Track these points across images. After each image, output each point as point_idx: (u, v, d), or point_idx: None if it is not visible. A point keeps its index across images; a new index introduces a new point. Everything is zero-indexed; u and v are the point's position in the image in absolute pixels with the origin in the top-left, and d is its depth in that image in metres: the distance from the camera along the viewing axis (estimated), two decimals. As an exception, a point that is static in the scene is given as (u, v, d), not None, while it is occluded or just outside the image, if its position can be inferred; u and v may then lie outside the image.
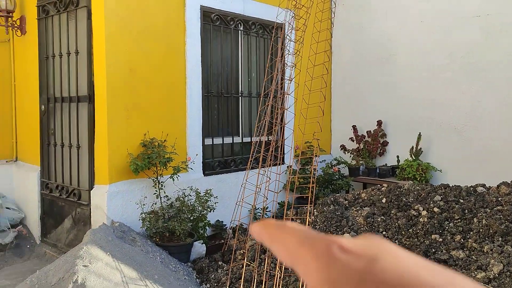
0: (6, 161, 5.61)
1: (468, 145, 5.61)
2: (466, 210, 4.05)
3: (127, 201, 4.30)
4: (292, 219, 4.74)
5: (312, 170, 4.60)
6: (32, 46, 5.20)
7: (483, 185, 4.66)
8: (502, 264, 3.20)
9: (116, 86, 4.30)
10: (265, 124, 4.44)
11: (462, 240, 3.75)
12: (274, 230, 0.33)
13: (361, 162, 6.39)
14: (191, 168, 4.78)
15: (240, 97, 5.68)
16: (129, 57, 4.40)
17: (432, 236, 3.90)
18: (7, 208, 5.21)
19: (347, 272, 0.27)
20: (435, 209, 4.19)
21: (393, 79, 6.32)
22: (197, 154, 4.95)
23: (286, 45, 5.09)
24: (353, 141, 6.55)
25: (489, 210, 3.93)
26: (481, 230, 3.72)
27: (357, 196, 4.99)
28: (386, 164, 6.35)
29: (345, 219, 4.48)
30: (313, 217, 4.64)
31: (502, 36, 5.36)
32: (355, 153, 6.49)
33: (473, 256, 3.51)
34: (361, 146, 6.48)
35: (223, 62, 5.43)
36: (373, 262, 0.27)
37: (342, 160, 6.38)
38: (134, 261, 3.48)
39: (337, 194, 5.22)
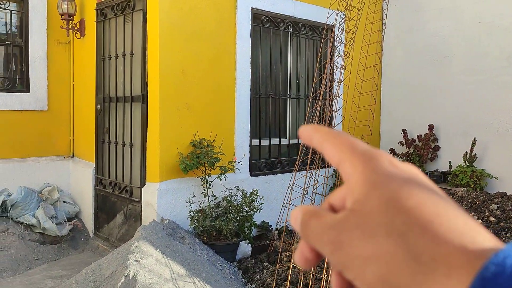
0: (64, 157, 5.90)
1: (527, 152, 5.33)
2: (525, 221, 3.86)
3: (176, 199, 4.41)
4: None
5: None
6: (90, 48, 5.45)
7: (544, 195, 4.42)
8: None
9: (169, 86, 4.42)
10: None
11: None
12: (326, 133, 0.34)
13: (411, 167, 6.21)
14: (238, 169, 4.83)
15: (288, 99, 5.68)
16: (181, 58, 4.51)
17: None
18: (64, 202, 5.49)
19: (389, 179, 0.29)
20: (491, 218, 4.02)
21: (447, 82, 6.10)
22: (244, 155, 5.00)
23: (336, 47, 5.04)
24: (402, 145, 6.39)
25: (550, 222, 3.72)
26: (541, 242, 3.53)
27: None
28: (437, 169, 6.15)
29: (393, 225, 4.39)
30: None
31: None
32: (404, 158, 6.32)
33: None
34: (411, 150, 6.31)
35: (272, 63, 5.45)
36: (408, 184, 0.28)
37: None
38: (182, 258, 3.56)
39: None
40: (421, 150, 6.24)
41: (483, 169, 5.64)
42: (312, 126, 0.35)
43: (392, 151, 6.46)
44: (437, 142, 6.23)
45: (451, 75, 6.06)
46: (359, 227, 0.28)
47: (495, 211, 4.09)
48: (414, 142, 6.33)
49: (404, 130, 6.41)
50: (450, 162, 5.96)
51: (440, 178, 5.98)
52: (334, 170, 5.55)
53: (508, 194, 4.38)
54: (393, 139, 6.56)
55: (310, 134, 0.35)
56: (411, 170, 0.31)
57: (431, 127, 6.18)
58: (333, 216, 0.30)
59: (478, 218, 4.06)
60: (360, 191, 0.29)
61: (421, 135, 6.27)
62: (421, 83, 6.38)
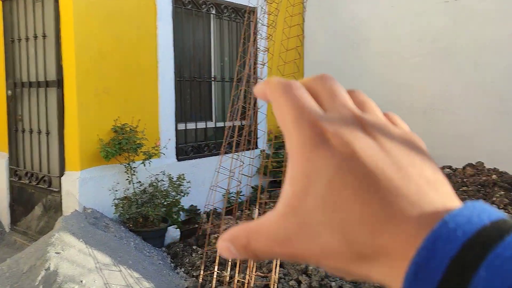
0: (-28, 148, 5.44)
1: (436, 128, 5.77)
2: (433, 191, 4.19)
3: (99, 188, 4.26)
4: (266, 203, 4.80)
5: (285, 154, 4.65)
6: (-4, 29, 5.03)
7: (450, 167, 4.82)
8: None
9: (86, 70, 4.22)
10: (238, 109, 4.45)
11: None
12: (278, 92, 0.30)
13: (333, 146, 6.48)
14: (164, 154, 4.76)
15: (213, 82, 5.66)
16: (99, 40, 4.31)
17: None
18: (-26, 196, 5.08)
19: (324, 166, 0.26)
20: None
21: (365, 64, 6.40)
22: (169, 139, 4.93)
23: (258, 29, 5.08)
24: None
25: (455, 191, 4.07)
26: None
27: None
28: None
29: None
30: (286, 200, 4.70)
31: (469, 22, 5.50)
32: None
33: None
34: (333, 130, 6.57)
35: (195, 46, 5.38)
36: (349, 159, 0.26)
37: (315, 144, 6.45)
38: (107, 247, 3.47)
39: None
40: (342, 129, 6.51)
41: (398, 146, 6.02)
42: (265, 83, 0.32)
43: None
44: (357, 121, 6.54)
45: (369, 57, 6.36)
46: (303, 228, 0.27)
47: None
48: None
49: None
50: (369, 140, 6.29)
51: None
52: (260, 151, 5.65)
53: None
54: (316, 120, 6.78)
55: (261, 92, 0.32)
56: (352, 139, 0.27)
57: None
58: (272, 223, 0.28)
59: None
60: (297, 184, 0.27)
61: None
62: (342, 65, 6.63)
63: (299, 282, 3.44)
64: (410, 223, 0.24)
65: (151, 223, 4.25)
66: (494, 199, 3.70)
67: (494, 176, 4.15)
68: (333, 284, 3.37)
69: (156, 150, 4.59)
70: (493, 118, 5.31)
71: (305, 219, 0.27)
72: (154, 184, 4.44)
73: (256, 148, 4.79)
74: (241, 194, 5.22)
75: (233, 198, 5.24)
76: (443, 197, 0.26)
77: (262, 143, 5.81)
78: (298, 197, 0.27)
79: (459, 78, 5.59)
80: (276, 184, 5.38)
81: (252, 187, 5.47)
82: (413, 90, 5.97)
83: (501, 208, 3.61)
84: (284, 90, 0.30)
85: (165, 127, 4.95)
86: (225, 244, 0.30)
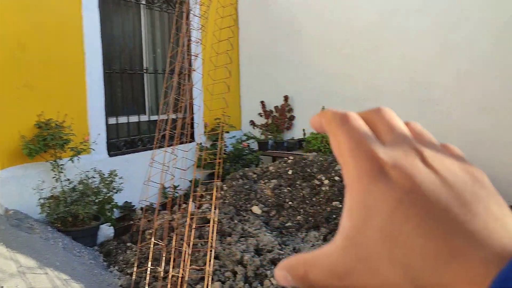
0: None
1: (367, 117, 5.98)
2: (363, 177, 4.35)
3: (22, 187, 4.02)
4: (202, 195, 4.77)
5: (220, 146, 4.63)
6: None
7: (379, 154, 5.03)
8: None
9: (4, 63, 3.94)
10: (171, 101, 4.36)
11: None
12: (334, 124, 0.30)
13: (269, 136, 6.56)
14: (93, 149, 4.57)
15: (145, 74, 5.50)
16: (18, 31, 4.04)
17: (333, 203, 4.15)
18: None
19: (384, 198, 0.26)
20: (336, 178, 4.45)
21: (299, 54, 6.50)
22: (99, 134, 4.74)
23: (190, 20, 5.00)
24: (261, 116, 6.69)
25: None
26: (375, 194, 4.02)
27: (265, 170, 5.13)
28: (293, 137, 6.58)
29: (253, 192, 4.60)
30: (222, 192, 4.69)
31: (395, 16, 5.73)
32: (264, 128, 6.64)
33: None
34: (270, 121, 6.64)
35: (125, 37, 5.20)
36: (410, 192, 0.25)
37: (252, 135, 6.49)
38: (32, 249, 3.28)
39: (247, 169, 5.32)
40: (278, 120, 6.60)
41: (332, 135, 6.19)
42: (319, 115, 0.32)
43: (253, 123, 6.72)
44: (293, 112, 6.65)
45: (303, 48, 6.47)
46: (362, 261, 0.26)
47: (339, 170, 4.55)
48: (272, 113, 6.66)
49: (262, 102, 6.70)
50: (304, 130, 6.43)
51: (296, 145, 6.42)
52: (197, 144, 5.58)
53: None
54: (253, 111, 6.82)
55: (318, 124, 0.32)
56: (412, 173, 0.26)
57: (286, 98, 6.56)
58: (331, 255, 0.27)
59: (326, 179, 4.47)
60: (356, 217, 0.27)
61: (278, 106, 6.62)
62: (277, 56, 6.70)
63: (234, 273, 3.45)
64: (476, 261, 0.23)
65: (81, 222, 4.08)
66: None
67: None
68: (268, 272, 3.41)
69: (85, 145, 4.40)
70: (418, 106, 5.59)
71: (365, 253, 0.26)
72: (85, 181, 4.26)
73: (192, 141, 4.73)
74: (177, 188, 5.15)
75: (169, 192, 5.15)
76: (511, 234, 0.24)
77: (198, 135, 5.74)
78: (357, 229, 0.27)
79: (387, 68, 5.83)
80: (212, 177, 5.35)
81: (190, 181, 5.41)
82: (344, 80, 6.15)
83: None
84: (341, 121, 0.30)
85: (95, 121, 4.75)
86: (282, 273, 0.30)
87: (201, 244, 3.77)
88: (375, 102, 5.90)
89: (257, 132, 6.73)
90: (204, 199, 4.62)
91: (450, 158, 0.29)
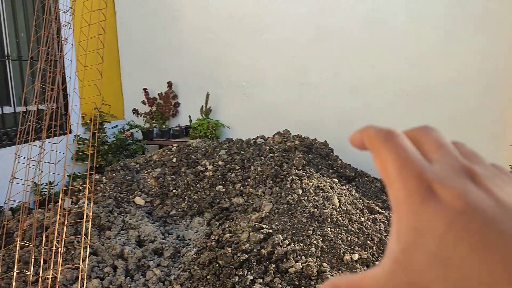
0: None
1: (251, 102, 6.10)
2: (245, 160, 4.42)
3: None
4: (79, 189, 4.48)
5: (97, 136, 4.37)
6: None
7: (263, 137, 5.15)
8: (271, 203, 3.61)
9: None
10: (36, 89, 3.98)
11: (241, 187, 4.09)
12: (377, 141, 0.29)
13: (154, 124, 6.37)
14: None
15: (7, 61, 4.97)
16: None
17: (217, 187, 4.16)
18: None
19: (434, 220, 0.25)
20: (220, 163, 4.47)
21: (180, 41, 6.37)
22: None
23: (57, 1, 4.60)
24: (145, 104, 6.46)
25: (263, 158, 4.37)
26: (256, 176, 4.12)
27: (149, 159, 4.97)
28: (179, 125, 6.48)
29: (136, 183, 4.43)
30: (102, 185, 4.45)
31: (274, 1, 5.87)
32: (148, 116, 6.43)
33: (250, 201, 3.87)
34: (154, 108, 6.44)
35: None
36: (463, 213, 0.24)
37: (135, 124, 6.25)
38: None
39: (129, 159, 5.12)
40: (163, 107, 6.43)
41: (217, 120, 6.21)
42: (360, 132, 0.30)
43: (136, 111, 6.46)
44: (177, 98, 6.53)
45: (185, 34, 6.35)
46: (413, 286, 0.25)
47: (223, 155, 4.57)
48: (156, 101, 6.47)
49: (145, 89, 6.47)
50: (190, 116, 6.35)
51: (182, 132, 6.33)
52: (75, 135, 5.20)
53: (234, 139, 4.93)
54: (136, 99, 6.56)
55: (358, 138, 0.31)
56: (464, 194, 0.25)
57: (169, 84, 6.41)
58: (379, 279, 0.26)
59: (210, 164, 4.46)
60: (405, 240, 0.26)
61: (162, 93, 6.44)
62: (158, 42, 6.49)
63: (115, 268, 3.30)
64: None
65: None
66: (294, 161, 4.07)
67: (296, 142, 4.56)
68: (151, 263, 3.32)
69: None
70: (298, 89, 5.83)
71: (415, 277, 0.25)
72: None
73: (63, 134, 4.39)
74: (53, 184, 4.77)
75: (44, 189, 4.76)
76: None
77: (69, 127, 5.36)
78: (406, 252, 0.25)
79: (268, 53, 5.97)
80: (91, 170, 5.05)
81: (68, 175, 5.04)
82: (227, 65, 6.18)
83: (300, 169, 4.00)
84: (385, 139, 0.28)
85: None
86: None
87: (78, 241, 3.54)
88: (258, 86, 6.04)
89: (141, 121, 6.49)
90: (82, 194, 4.35)
91: (501, 177, 0.28)
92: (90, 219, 3.16)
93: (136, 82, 6.64)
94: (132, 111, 6.47)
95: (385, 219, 3.84)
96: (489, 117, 4.94)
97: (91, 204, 3.54)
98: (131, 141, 5.99)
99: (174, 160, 4.70)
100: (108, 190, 4.33)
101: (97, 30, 4.59)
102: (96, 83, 4.00)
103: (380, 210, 4.00)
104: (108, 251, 3.41)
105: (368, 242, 3.40)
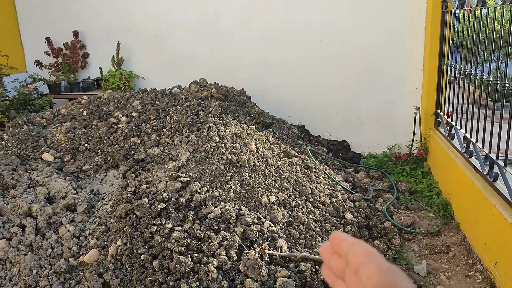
0: None
1: (166, 51, 5.85)
2: (160, 110, 4.29)
3: None
4: (-23, 149, 4.10)
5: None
6: None
7: (179, 87, 5.01)
8: (188, 152, 3.56)
9: None
10: None
11: (157, 138, 3.99)
12: (352, 242, 0.52)
13: (61, 77, 5.93)
14: None
15: None
16: None
17: (131, 139, 4.02)
18: None
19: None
20: (133, 114, 4.29)
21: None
22: None
23: None
24: (49, 55, 5.96)
25: (179, 107, 4.26)
26: (172, 126, 4.02)
27: (56, 113, 4.65)
28: (89, 77, 6.08)
29: (42, 139, 4.15)
30: (3, 142, 4.11)
31: None
32: (54, 69, 5.95)
33: (166, 151, 3.79)
34: (60, 60, 5.97)
35: None
36: None
37: (39, 78, 5.78)
38: None
39: (33, 114, 4.75)
40: (70, 58, 5.98)
41: (131, 71, 5.92)
42: (339, 235, 0.53)
43: (39, 63, 5.95)
44: (85, 49, 6.09)
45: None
46: None
47: (137, 106, 4.38)
48: (62, 51, 5.99)
49: (48, 39, 5.95)
50: (100, 68, 5.98)
51: (93, 85, 5.97)
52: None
53: (148, 89, 4.74)
54: (38, 50, 6.01)
55: (339, 241, 0.52)
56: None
57: (76, 33, 5.94)
58: None
59: (123, 116, 4.27)
60: None
61: (68, 43, 5.97)
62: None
63: (23, 227, 3.11)
64: None
65: None
66: (210, 109, 4.02)
67: (213, 90, 4.49)
68: (63, 220, 3.17)
69: None
70: (208, 38, 5.66)
71: None
72: None
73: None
74: None
75: None
76: None
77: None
78: None
79: (179, 2, 5.68)
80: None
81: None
82: (137, 15, 5.82)
83: (217, 117, 3.96)
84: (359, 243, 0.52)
85: None
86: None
87: (-22, 203, 3.27)
88: (170, 37, 5.79)
89: (46, 74, 6.00)
90: (-20, 153, 3.98)
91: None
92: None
93: (37, 30, 6.07)
94: (35, 62, 5.94)
95: (300, 162, 3.97)
96: (397, 62, 5.19)
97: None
98: (36, 96, 5.54)
99: (84, 113, 4.44)
100: (11, 147, 4.00)
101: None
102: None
103: (296, 154, 4.12)
104: (14, 210, 3.19)
105: (285, 184, 3.50)
